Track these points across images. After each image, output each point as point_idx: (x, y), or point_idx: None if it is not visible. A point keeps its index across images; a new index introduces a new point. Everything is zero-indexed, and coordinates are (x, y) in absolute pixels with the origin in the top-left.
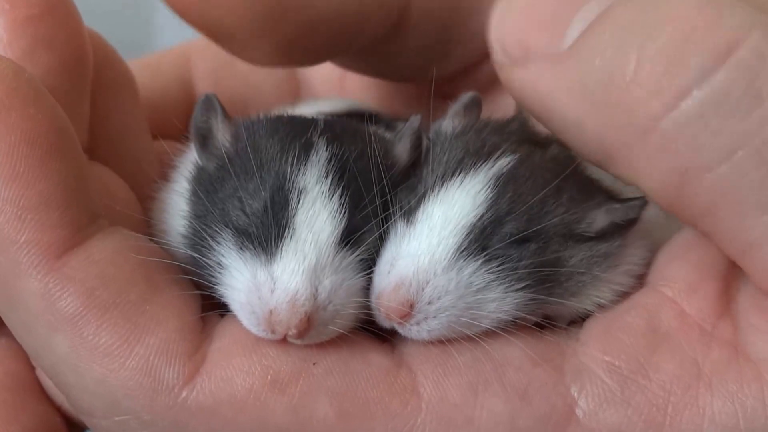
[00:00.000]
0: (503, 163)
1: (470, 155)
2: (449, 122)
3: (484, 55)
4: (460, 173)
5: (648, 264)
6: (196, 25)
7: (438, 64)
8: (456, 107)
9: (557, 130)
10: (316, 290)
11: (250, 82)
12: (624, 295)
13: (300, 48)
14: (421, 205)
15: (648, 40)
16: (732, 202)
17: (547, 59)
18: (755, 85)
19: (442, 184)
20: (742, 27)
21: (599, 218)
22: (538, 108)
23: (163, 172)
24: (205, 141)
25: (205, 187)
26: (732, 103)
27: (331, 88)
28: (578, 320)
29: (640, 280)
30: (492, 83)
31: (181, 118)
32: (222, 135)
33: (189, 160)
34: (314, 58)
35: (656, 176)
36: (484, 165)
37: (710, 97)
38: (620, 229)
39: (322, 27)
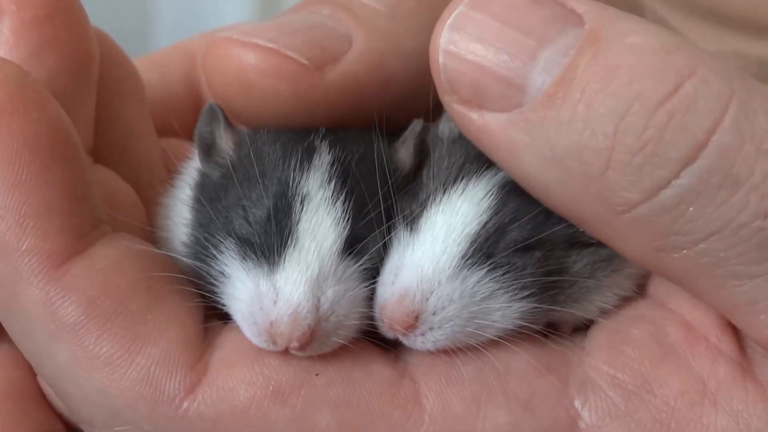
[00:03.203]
0: None
1: (471, 161)
2: (445, 125)
3: None
4: (462, 180)
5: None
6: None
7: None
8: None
9: (516, 178)
10: (319, 301)
11: None
12: (627, 301)
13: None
14: (424, 213)
15: (623, 119)
16: (709, 274)
17: (507, 111)
18: (734, 170)
19: (444, 191)
20: (721, 98)
21: None
22: (493, 155)
23: (169, 175)
24: (209, 150)
25: (208, 195)
26: (711, 190)
27: None
28: (582, 327)
29: (641, 287)
30: None
31: (186, 115)
32: (225, 143)
33: (193, 166)
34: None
35: (630, 251)
36: (486, 171)
37: (688, 184)
38: None
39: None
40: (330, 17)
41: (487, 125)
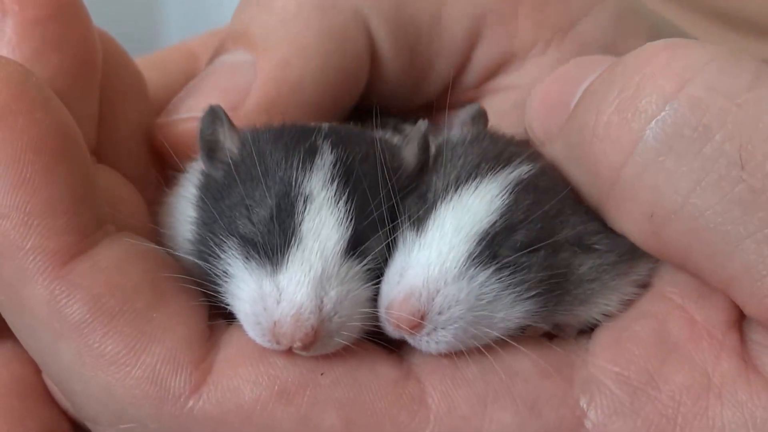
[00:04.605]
0: (523, 170)
1: (488, 160)
2: (458, 130)
3: (458, 68)
4: (475, 178)
5: (653, 274)
6: None
7: (419, 89)
8: (463, 117)
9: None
10: (322, 301)
11: None
12: (630, 303)
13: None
14: (432, 213)
15: (607, 93)
16: (702, 240)
17: (556, 136)
18: (704, 121)
19: (456, 189)
20: (692, 67)
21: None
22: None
23: (171, 174)
24: (212, 151)
25: (212, 194)
26: (683, 141)
27: None
28: (587, 329)
29: (646, 289)
30: (473, 91)
31: None
32: (229, 144)
33: (197, 165)
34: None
35: (630, 225)
36: (503, 170)
37: (661, 137)
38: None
39: (318, 111)
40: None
41: (553, 148)
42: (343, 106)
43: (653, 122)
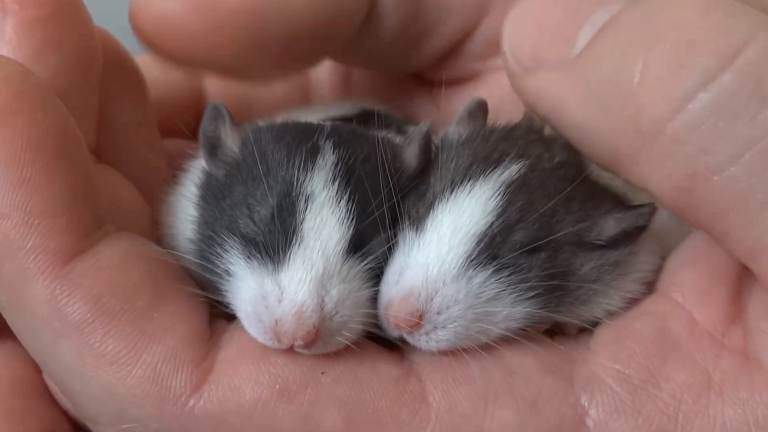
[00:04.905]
0: (513, 169)
1: (479, 162)
2: (455, 129)
3: (464, 34)
4: (469, 180)
5: (658, 271)
6: (186, 66)
7: (417, 50)
8: (461, 114)
9: (569, 136)
10: (323, 300)
11: None
12: (633, 302)
13: (289, 59)
14: (430, 213)
15: (654, 44)
16: (741, 204)
17: (558, 67)
18: (762, 88)
19: (452, 192)
20: (749, 30)
21: (609, 226)
22: (549, 115)
23: (172, 174)
24: (213, 149)
25: (213, 193)
26: (739, 105)
27: (339, 83)
28: (588, 328)
29: (650, 287)
30: (478, 63)
31: (189, 115)
32: (231, 142)
33: (198, 164)
34: (305, 63)
35: (665, 180)
36: (493, 172)
37: (717, 99)
38: (630, 237)
39: (302, 36)
40: None
41: (542, 83)
42: (326, 44)
43: (710, 84)
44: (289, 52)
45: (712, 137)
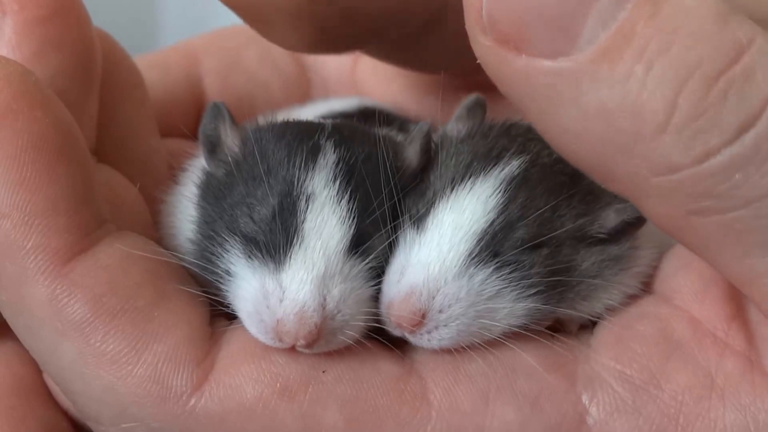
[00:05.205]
0: (513, 166)
1: (479, 159)
2: (454, 126)
3: None
4: (470, 178)
5: (656, 266)
6: (236, 10)
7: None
8: (459, 111)
9: (547, 135)
10: (325, 299)
11: (258, 80)
12: (632, 298)
13: (339, 34)
14: (431, 212)
15: (681, 84)
16: (737, 240)
17: (552, 59)
18: None
19: (452, 190)
20: None
21: (610, 218)
22: (530, 105)
23: (172, 174)
24: (213, 148)
25: (213, 193)
26: (760, 157)
27: (342, 84)
28: (588, 324)
29: (648, 284)
30: None
31: (188, 116)
32: (231, 141)
33: (198, 164)
34: (351, 45)
35: (661, 212)
36: (493, 169)
37: (740, 154)
38: (631, 229)
39: (364, 13)
40: None
41: (526, 70)
42: (386, 30)
43: (737, 140)
44: (354, 23)
45: (724, 186)
